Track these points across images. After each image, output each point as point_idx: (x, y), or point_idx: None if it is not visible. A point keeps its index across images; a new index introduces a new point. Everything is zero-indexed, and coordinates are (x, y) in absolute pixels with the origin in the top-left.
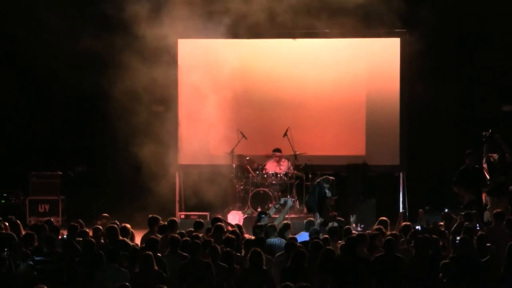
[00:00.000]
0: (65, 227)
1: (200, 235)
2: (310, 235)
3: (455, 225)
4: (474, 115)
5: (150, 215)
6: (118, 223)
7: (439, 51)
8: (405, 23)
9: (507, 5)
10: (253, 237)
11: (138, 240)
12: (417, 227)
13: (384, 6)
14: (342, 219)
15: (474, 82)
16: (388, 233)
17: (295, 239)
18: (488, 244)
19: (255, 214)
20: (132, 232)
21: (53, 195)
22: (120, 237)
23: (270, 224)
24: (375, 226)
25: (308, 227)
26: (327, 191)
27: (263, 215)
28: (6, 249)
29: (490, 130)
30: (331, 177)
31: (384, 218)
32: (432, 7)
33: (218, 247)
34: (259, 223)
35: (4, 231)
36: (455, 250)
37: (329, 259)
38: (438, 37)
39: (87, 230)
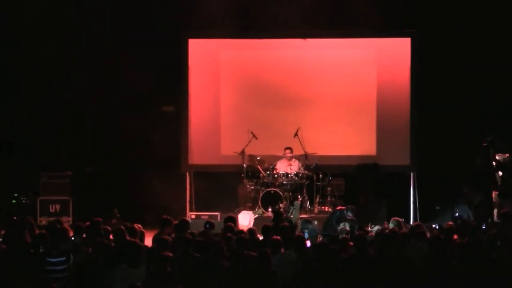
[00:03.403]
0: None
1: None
2: (310, 235)
3: (465, 226)
4: (485, 114)
5: (164, 216)
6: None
7: (449, 51)
8: (416, 23)
9: None
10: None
11: (147, 240)
12: (433, 225)
13: (395, 6)
14: (354, 219)
15: (487, 81)
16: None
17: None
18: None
19: (266, 214)
20: (141, 232)
21: (64, 195)
22: (129, 238)
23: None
24: (388, 226)
25: (306, 227)
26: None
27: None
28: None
29: (492, 137)
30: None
31: (397, 218)
32: (442, 6)
33: (224, 247)
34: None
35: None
36: (465, 251)
37: (337, 259)
38: (448, 36)
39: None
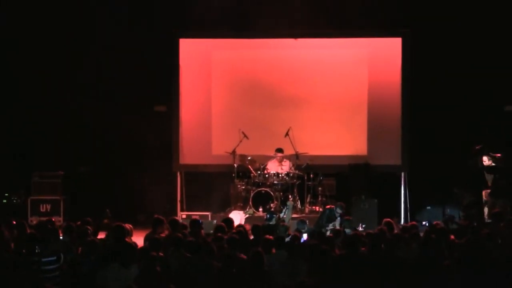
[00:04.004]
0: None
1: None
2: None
3: (456, 226)
4: (476, 114)
5: (156, 215)
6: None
7: (440, 50)
8: (407, 23)
9: (509, 3)
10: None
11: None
12: (424, 222)
13: (386, 5)
14: (350, 218)
15: (477, 81)
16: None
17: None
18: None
19: (257, 214)
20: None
21: (55, 195)
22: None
23: (282, 224)
24: (379, 227)
25: (302, 227)
26: (338, 218)
27: (274, 215)
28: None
29: (481, 146)
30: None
31: (388, 219)
32: (433, 6)
33: (215, 247)
34: (270, 223)
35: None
36: (459, 251)
37: (328, 258)
38: (439, 36)
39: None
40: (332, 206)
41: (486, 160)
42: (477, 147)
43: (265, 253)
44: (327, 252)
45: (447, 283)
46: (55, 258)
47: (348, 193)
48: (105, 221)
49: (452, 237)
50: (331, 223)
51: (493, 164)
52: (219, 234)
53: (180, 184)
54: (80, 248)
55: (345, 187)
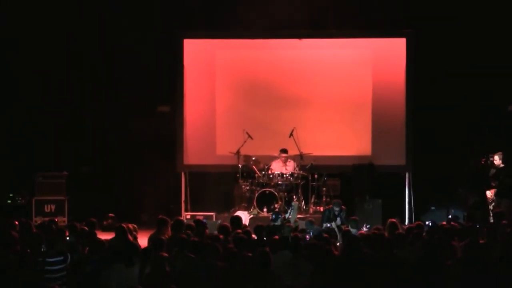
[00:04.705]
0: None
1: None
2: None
3: (460, 226)
4: (480, 114)
5: (160, 216)
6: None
7: (444, 51)
8: (410, 23)
9: (509, 4)
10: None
11: (140, 240)
12: (427, 222)
13: (390, 6)
14: (356, 218)
15: (480, 81)
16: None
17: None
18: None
19: (261, 215)
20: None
21: (59, 195)
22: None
23: (287, 224)
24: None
25: (311, 228)
26: (338, 218)
27: (279, 216)
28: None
29: (485, 159)
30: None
31: (393, 219)
32: (437, 7)
33: (220, 247)
34: (275, 223)
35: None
36: (462, 252)
37: (329, 258)
38: (443, 36)
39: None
40: (331, 206)
41: (497, 160)
42: (482, 159)
43: (272, 254)
44: (328, 252)
45: (449, 283)
46: (62, 258)
47: (352, 194)
48: (109, 221)
49: (455, 237)
50: (330, 223)
51: (502, 164)
52: (221, 236)
53: (184, 184)
54: (86, 248)
55: (349, 188)
